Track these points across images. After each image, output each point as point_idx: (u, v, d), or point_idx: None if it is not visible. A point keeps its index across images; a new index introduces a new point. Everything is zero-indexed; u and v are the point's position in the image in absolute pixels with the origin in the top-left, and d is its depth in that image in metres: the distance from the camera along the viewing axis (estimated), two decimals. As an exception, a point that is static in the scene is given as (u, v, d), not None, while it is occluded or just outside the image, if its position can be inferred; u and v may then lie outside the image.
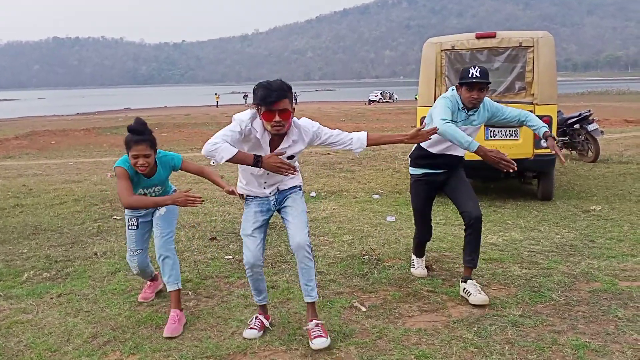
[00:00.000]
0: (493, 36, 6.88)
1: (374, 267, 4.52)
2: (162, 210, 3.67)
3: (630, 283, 4.01)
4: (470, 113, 3.84)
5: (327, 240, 5.39)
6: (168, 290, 3.60)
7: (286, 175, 3.07)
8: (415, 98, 9.16)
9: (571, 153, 10.87)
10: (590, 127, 10.22)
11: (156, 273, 4.07)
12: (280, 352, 3.13)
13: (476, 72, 3.68)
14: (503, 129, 6.75)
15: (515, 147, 6.67)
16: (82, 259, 5.02)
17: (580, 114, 10.47)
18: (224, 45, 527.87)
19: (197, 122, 28.53)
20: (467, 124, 3.84)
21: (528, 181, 7.63)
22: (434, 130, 3.35)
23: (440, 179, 4.02)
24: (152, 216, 3.74)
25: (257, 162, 2.95)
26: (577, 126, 10.40)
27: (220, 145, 2.88)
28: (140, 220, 3.75)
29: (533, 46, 6.69)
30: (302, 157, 12.14)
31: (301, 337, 3.28)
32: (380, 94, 55.80)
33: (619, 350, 2.99)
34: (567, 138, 10.49)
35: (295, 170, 3.03)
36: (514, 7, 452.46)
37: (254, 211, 3.28)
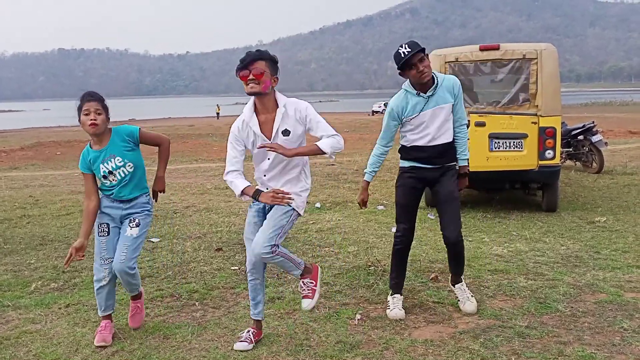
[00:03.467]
0: (497, 48, 6.94)
1: (380, 279, 4.54)
2: (135, 231, 3.48)
3: (636, 294, 4.02)
4: (429, 94, 3.61)
5: (332, 252, 5.41)
6: (132, 294, 3.71)
7: (284, 204, 3.12)
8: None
9: (575, 164, 10.88)
10: (594, 139, 10.25)
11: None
12: (288, 362, 3.15)
13: (405, 49, 3.50)
14: (508, 140, 6.79)
15: (519, 159, 6.70)
16: (89, 270, 5.03)
17: (584, 125, 10.50)
18: (227, 57, 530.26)
19: (202, 133, 28.66)
20: (432, 107, 3.62)
21: (533, 192, 7.65)
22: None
23: (430, 175, 3.75)
24: (121, 225, 3.55)
25: (255, 195, 3.17)
26: (581, 137, 10.43)
27: (232, 181, 3.22)
28: (111, 226, 3.53)
29: (536, 58, 6.74)
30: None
31: (308, 348, 3.30)
32: (384, 104, 55.88)
33: (625, 362, 3.01)
34: (571, 149, 10.52)
35: (290, 198, 3.13)
36: (517, 19, 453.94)
37: (252, 217, 3.35)
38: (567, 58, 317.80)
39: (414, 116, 3.67)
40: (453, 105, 3.71)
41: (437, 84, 3.63)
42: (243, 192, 3.17)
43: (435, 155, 3.71)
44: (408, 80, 3.69)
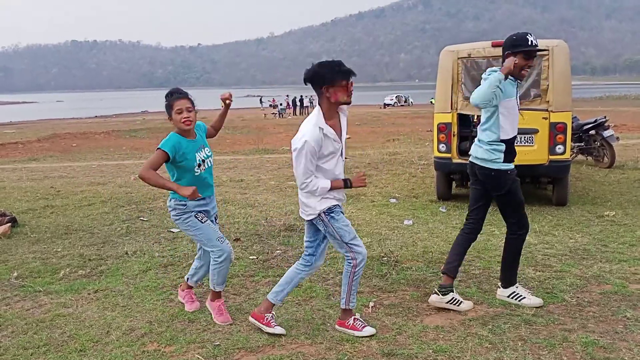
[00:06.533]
0: (509, 45, 7.03)
1: (393, 269, 4.72)
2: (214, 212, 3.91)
3: (641, 286, 4.16)
4: (518, 83, 3.76)
5: (346, 242, 5.58)
6: (217, 290, 3.80)
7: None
8: (431, 102, 9.30)
9: (587, 159, 10.95)
10: (606, 134, 10.31)
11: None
12: (306, 345, 3.35)
13: (535, 41, 3.64)
14: (518, 135, 6.79)
15: (530, 153, 6.82)
16: (114, 258, 5.28)
17: (596, 120, 10.56)
18: (239, 49, 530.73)
19: (215, 125, 28.86)
20: (516, 95, 3.76)
21: (543, 186, 7.77)
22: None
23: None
24: (208, 208, 3.78)
25: (347, 184, 3.44)
26: (592, 132, 10.48)
27: (316, 184, 3.30)
28: (204, 211, 3.72)
29: (548, 54, 6.84)
30: (320, 161, 12.33)
31: (325, 332, 3.50)
32: (396, 97, 55.84)
33: (627, 348, 3.17)
34: (582, 144, 10.58)
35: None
36: (532, 11, 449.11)
37: (344, 218, 3.45)
38: (582, 51, 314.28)
39: (510, 99, 3.70)
40: None
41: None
42: (332, 187, 3.35)
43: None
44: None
